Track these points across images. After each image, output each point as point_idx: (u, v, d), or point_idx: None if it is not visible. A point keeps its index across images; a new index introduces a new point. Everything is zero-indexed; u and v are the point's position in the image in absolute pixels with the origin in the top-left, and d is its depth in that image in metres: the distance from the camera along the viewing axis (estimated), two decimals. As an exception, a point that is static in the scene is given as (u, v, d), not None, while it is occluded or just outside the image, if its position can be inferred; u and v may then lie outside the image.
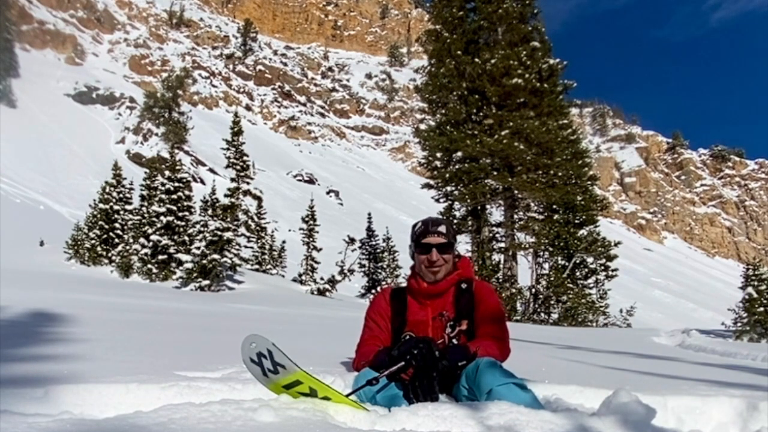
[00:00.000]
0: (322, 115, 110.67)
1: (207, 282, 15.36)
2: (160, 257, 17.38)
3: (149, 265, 17.33)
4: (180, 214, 18.02)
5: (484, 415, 1.61)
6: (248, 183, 21.18)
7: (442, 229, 2.31)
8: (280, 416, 1.49)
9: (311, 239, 22.33)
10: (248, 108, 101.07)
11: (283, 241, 29.46)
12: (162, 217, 17.66)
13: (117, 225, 19.56)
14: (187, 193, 18.46)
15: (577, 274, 19.81)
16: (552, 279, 18.81)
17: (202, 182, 50.47)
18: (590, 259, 20.11)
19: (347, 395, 1.76)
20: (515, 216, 20.08)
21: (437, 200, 21.03)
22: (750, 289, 12.86)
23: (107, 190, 20.08)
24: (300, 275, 22.09)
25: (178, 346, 3.65)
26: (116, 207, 19.90)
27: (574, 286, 18.87)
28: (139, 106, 68.98)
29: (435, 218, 2.41)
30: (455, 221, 20.06)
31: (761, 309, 12.49)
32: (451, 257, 2.33)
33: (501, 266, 19.50)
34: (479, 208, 20.00)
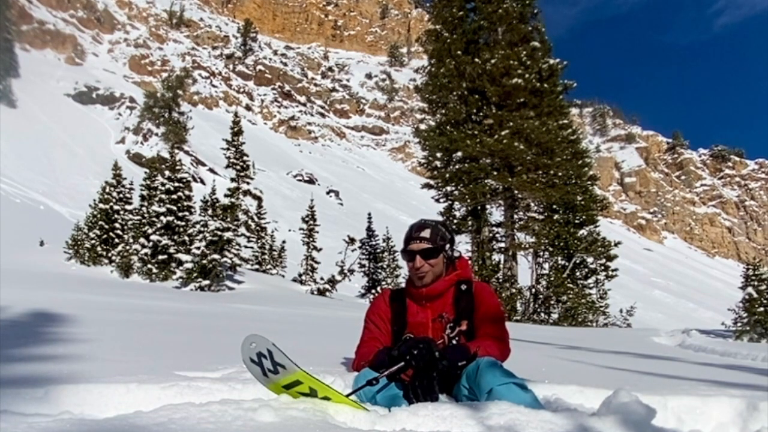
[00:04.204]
0: (322, 115, 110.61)
1: (207, 282, 15.36)
2: (160, 257, 17.38)
3: (149, 265, 17.33)
4: (180, 214, 18.01)
5: (484, 415, 1.61)
6: (248, 183, 21.21)
7: (426, 234, 2.27)
8: (280, 416, 1.49)
9: (311, 239, 22.32)
10: (248, 108, 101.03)
11: (283, 241, 29.46)
12: (162, 217, 17.65)
13: (117, 225, 19.53)
14: (187, 193, 18.46)
15: (577, 274, 19.83)
16: (552, 279, 18.82)
17: (202, 182, 50.41)
18: (590, 259, 20.14)
19: (347, 395, 1.76)
20: (515, 216, 20.08)
21: (437, 200, 21.03)
22: (750, 289, 12.87)
23: (107, 190, 20.05)
24: (300, 275, 22.08)
25: (178, 346, 3.65)
26: (116, 207, 19.87)
27: (574, 286, 18.88)
28: (139, 106, 68.84)
29: (421, 223, 2.35)
30: (455, 221, 20.05)
31: (761, 309, 12.49)
32: (439, 261, 2.28)
33: (501, 266, 19.50)
34: (479, 208, 19.99)
